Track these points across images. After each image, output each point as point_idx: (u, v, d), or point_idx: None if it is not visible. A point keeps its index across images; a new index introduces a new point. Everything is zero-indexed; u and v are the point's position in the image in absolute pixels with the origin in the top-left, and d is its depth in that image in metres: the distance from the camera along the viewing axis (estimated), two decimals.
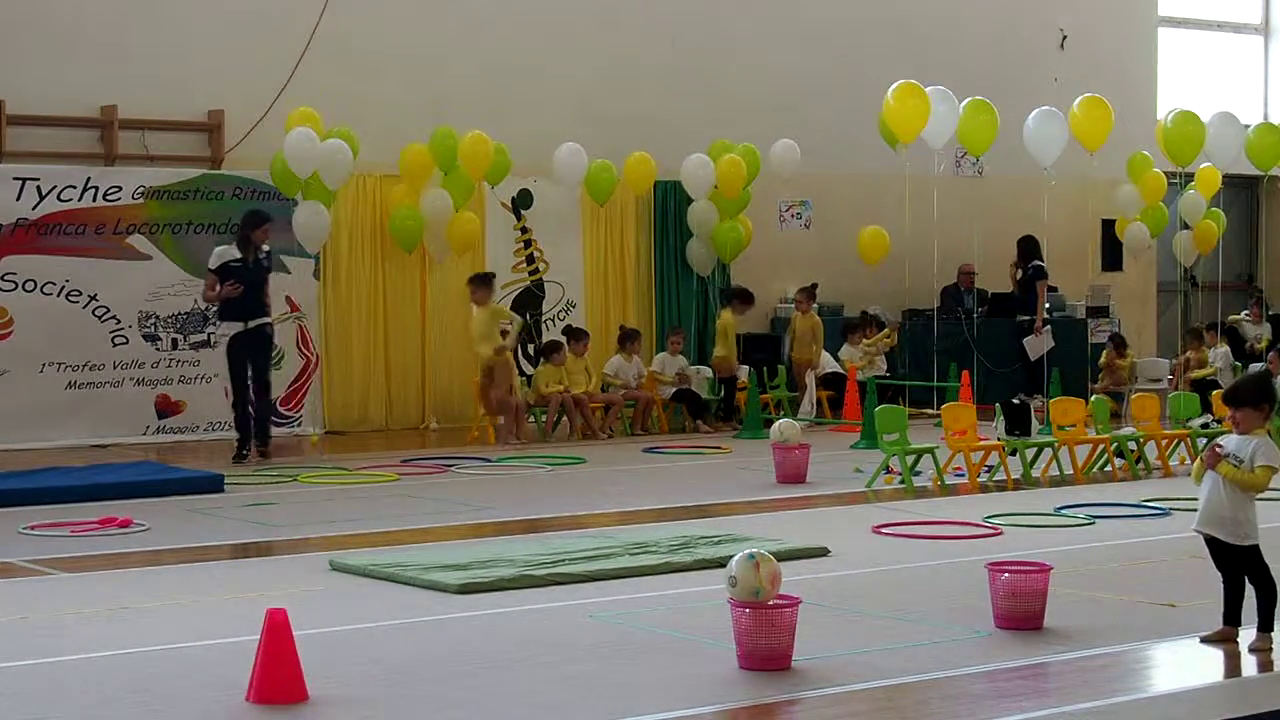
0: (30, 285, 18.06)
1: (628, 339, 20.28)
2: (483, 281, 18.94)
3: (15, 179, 18.06)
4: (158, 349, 18.83)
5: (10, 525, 12.58)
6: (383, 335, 20.22)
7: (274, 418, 19.28)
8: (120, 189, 18.57)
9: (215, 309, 17.12)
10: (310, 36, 20.01)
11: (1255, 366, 20.82)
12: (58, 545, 11.87)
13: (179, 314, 18.90)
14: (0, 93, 18.46)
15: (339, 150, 18.72)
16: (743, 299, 20.66)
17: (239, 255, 16.57)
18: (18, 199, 17.96)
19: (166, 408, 18.79)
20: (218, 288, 16.50)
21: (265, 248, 16.81)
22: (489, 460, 17.00)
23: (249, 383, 16.68)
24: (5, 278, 17.95)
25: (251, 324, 16.55)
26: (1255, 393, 8.54)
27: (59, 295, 18.19)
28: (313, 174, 18.69)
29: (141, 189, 18.68)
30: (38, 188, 18.13)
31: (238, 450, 16.66)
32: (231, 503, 13.99)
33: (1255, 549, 8.46)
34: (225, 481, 14.79)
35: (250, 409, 16.76)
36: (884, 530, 12.38)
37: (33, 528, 12.46)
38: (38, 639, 8.73)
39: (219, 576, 10.73)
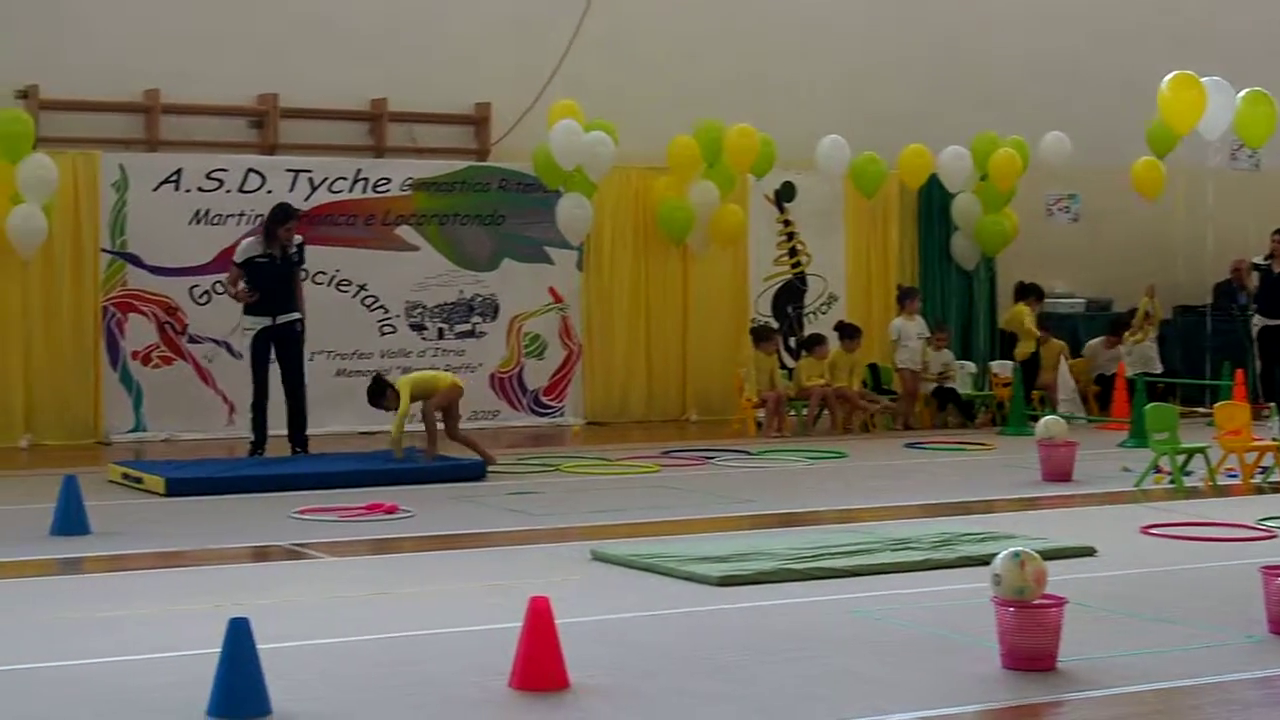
0: (301, 275, 18.40)
1: (906, 297, 20.13)
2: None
3: (288, 171, 18.45)
4: (424, 338, 19.11)
5: (281, 510, 12.85)
6: (644, 327, 20.28)
7: (535, 407, 19.52)
8: (389, 181, 18.89)
9: (242, 305, 16.14)
10: (576, 29, 20.13)
11: None
12: (326, 530, 12.09)
13: (445, 304, 19.16)
14: (274, 87, 18.86)
15: (601, 143, 18.83)
16: (1038, 295, 20.57)
17: (265, 250, 15.82)
18: (290, 190, 18.32)
19: None
20: (240, 283, 15.93)
21: (298, 240, 16.10)
22: (750, 453, 16.96)
23: (280, 381, 15.91)
24: None
25: (280, 320, 15.85)
26: None
27: (329, 285, 18.54)
28: (576, 167, 18.82)
29: (409, 181, 18.98)
30: (309, 179, 18.51)
31: (251, 451, 15.84)
32: (494, 491, 14.13)
33: None
34: (487, 470, 14.94)
35: (289, 408, 16.00)
36: (1153, 531, 12.10)
37: (302, 512, 12.71)
38: (305, 622, 8.88)
39: (482, 564, 10.84)
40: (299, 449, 15.81)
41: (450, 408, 15.44)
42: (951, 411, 19.90)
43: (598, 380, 20.01)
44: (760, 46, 21.24)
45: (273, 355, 15.88)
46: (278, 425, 15.90)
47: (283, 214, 16.03)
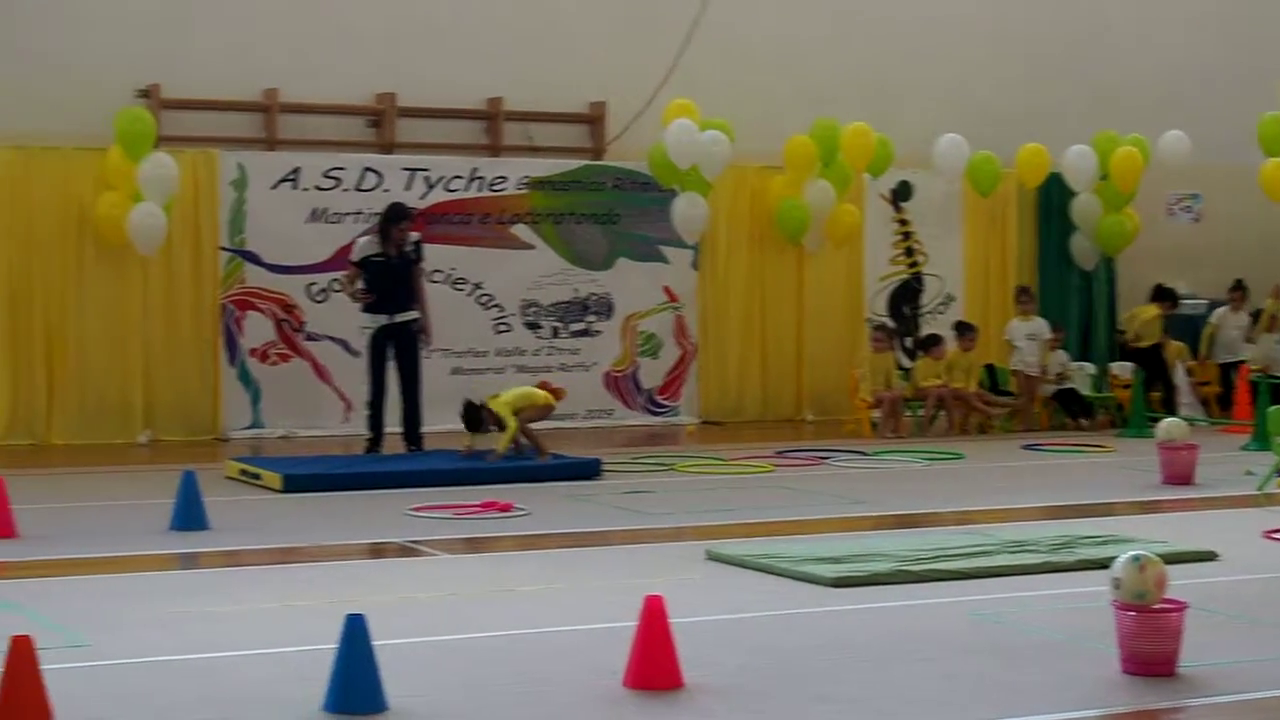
0: (420, 273, 18.48)
1: (1022, 294, 19.99)
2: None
3: (405, 170, 18.56)
4: (539, 337, 19.16)
5: (396, 507, 12.90)
6: (759, 326, 20.23)
7: (650, 407, 19.52)
8: (505, 179, 18.96)
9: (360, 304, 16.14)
10: (691, 28, 20.11)
11: None
12: (442, 527, 12.13)
13: (560, 303, 19.21)
14: (392, 86, 18.97)
15: (717, 142, 18.81)
16: (1173, 300, 20.58)
17: (381, 249, 15.82)
18: (407, 189, 18.44)
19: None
20: (357, 283, 15.94)
21: (414, 237, 16.09)
22: (865, 453, 16.87)
23: (393, 379, 15.93)
24: None
25: (397, 318, 15.84)
26: None
27: (445, 283, 18.62)
28: (691, 166, 18.81)
29: (525, 179, 19.04)
30: (426, 178, 18.61)
31: (368, 448, 15.92)
32: (608, 490, 14.12)
33: None
34: (603, 468, 14.95)
35: (405, 406, 15.97)
36: (1275, 535, 11.90)
37: (418, 509, 12.75)
38: (421, 618, 8.90)
39: (596, 562, 10.83)
40: (414, 446, 15.84)
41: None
42: (1076, 412, 19.68)
43: (712, 379, 19.98)
44: (878, 44, 21.14)
45: (391, 353, 15.90)
46: (393, 423, 15.96)
47: (396, 213, 16.03)
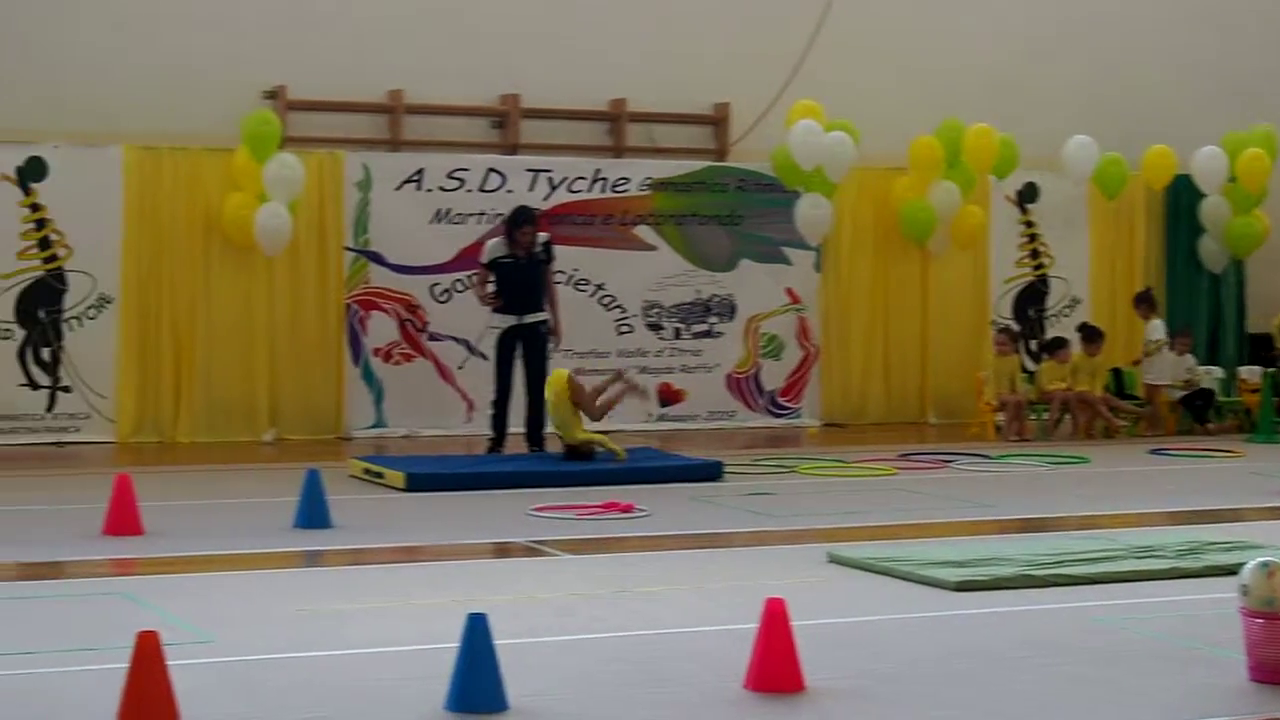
0: (551, 274, 18.55)
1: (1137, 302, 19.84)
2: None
3: (528, 171, 18.62)
4: (660, 338, 19.17)
5: (518, 507, 12.93)
6: (882, 328, 20.13)
7: (772, 409, 19.49)
8: (628, 180, 18.98)
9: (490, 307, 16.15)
10: (816, 28, 20.04)
11: None
12: (564, 528, 12.15)
13: (682, 304, 19.20)
14: (515, 87, 19.03)
15: (842, 143, 18.74)
16: None
17: (509, 251, 15.81)
18: (530, 190, 18.50)
19: (668, 396, 19.07)
20: (487, 285, 15.88)
21: (543, 238, 16.02)
22: (989, 457, 16.75)
23: (515, 380, 15.90)
24: None
25: (526, 319, 15.81)
26: None
27: (567, 283, 18.64)
28: (815, 167, 18.74)
29: (648, 181, 19.04)
30: (549, 179, 18.65)
31: (490, 448, 15.87)
32: (730, 491, 14.09)
33: None
34: (724, 470, 14.92)
35: (529, 407, 15.89)
36: None
37: (539, 510, 12.78)
38: (542, 618, 8.92)
39: (718, 563, 10.81)
40: (536, 448, 15.84)
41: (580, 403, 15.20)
42: (1204, 417, 19.42)
43: (835, 382, 19.91)
44: (1004, 44, 20.97)
45: (519, 354, 15.89)
46: (516, 423, 15.99)
47: (520, 217, 16.01)
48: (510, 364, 15.92)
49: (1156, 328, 19.48)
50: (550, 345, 16.08)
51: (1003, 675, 7.75)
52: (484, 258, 16.04)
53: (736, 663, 7.50)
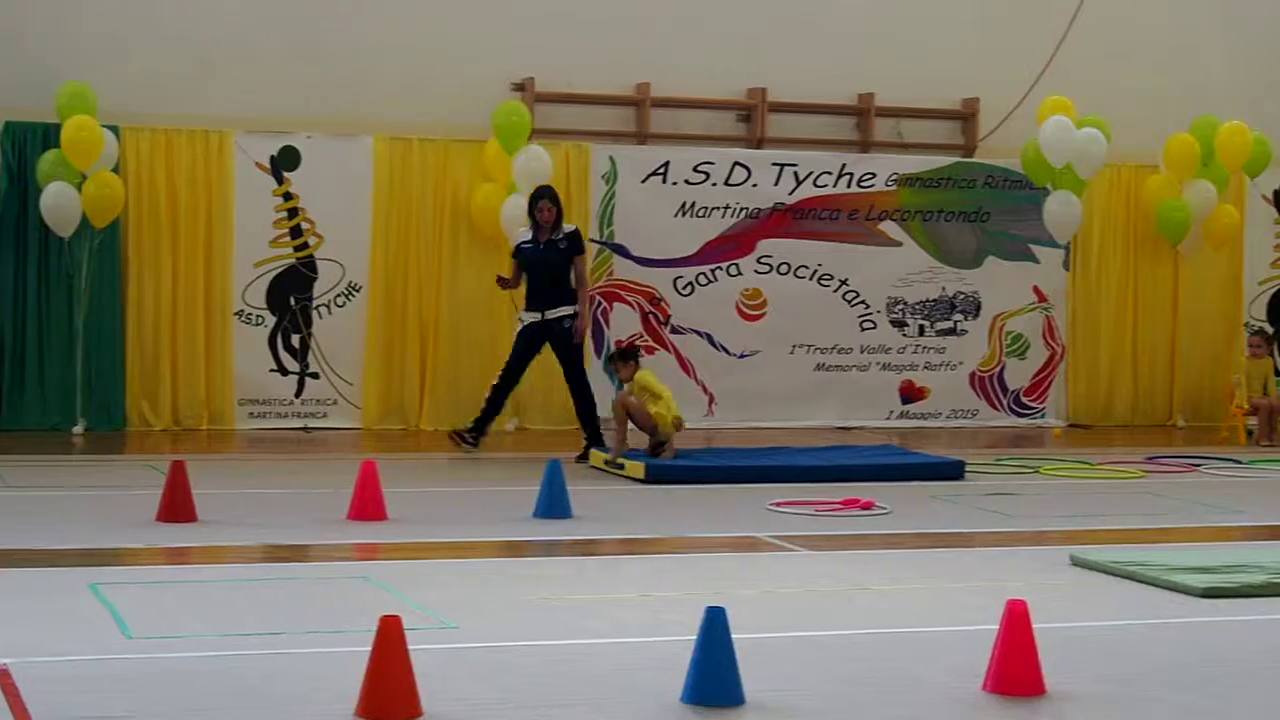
0: (784, 269, 18.54)
1: None
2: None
3: (774, 165, 18.58)
4: (904, 335, 19.01)
5: (757, 501, 12.91)
6: (1130, 328, 19.77)
7: (1015, 408, 19.24)
8: (874, 175, 18.84)
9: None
10: (1070, 22, 19.73)
11: None
12: (802, 523, 12.11)
13: (926, 300, 19.03)
14: (762, 81, 18.99)
15: (1094, 139, 18.43)
16: None
17: (532, 237, 15.19)
18: (775, 184, 18.47)
19: (910, 393, 18.94)
20: (519, 273, 15.32)
21: (569, 229, 15.24)
22: (1239, 462, 16.37)
23: (525, 376, 15.66)
24: (761, 260, 18.49)
25: (549, 315, 15.10)
26: None
27: (810, 279, 18.59)
28: (1066, 164, 18.46)
29: (894, 176, 18.89)
30: (795, 173, 18.59)
31: (470, 432, 15.45)
32: (971, 491, 13.94)
33: None
34: (966, 469, 14.76)
35: (575, 403, 15.45)
36: None
37: (779, 505, 12.74)
38: (780, 613, 8.89)
39: (957, 563, 10.69)
40: (593, 448, 15.24)
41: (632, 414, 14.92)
42: None
43: (1081, 382, 19.60)
44: (1262, 39, 20.46)
45: (548, 350, 15.40)
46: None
47: (535, 193, 15.43)
48: (521, 360, 15.44)
49: None
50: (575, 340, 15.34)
51: (1249, 683, 7.56)
52: (513, 243, 15.61)
53: (975, 664, 7.41)
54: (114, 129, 16.70)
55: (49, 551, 10.28)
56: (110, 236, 16.87)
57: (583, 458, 15.21)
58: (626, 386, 15.07)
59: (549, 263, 15.18)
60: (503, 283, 15.65)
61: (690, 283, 18.38)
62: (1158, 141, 19.21)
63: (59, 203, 16.36)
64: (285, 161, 17.47)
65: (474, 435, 15.59)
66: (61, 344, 16.83)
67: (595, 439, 15.35)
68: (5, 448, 15.37)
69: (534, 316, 15.28)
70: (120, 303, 17.06)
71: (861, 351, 18.85)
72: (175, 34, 17.51)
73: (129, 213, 17.00)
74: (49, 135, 16.59)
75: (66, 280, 16.78)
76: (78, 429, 16.65)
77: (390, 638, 6.67)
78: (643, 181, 18.29)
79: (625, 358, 15.19)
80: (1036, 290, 19.34)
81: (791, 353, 18.62)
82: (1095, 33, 19.76)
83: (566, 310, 15.18)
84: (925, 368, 19.03)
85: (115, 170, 16.70)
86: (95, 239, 16.69)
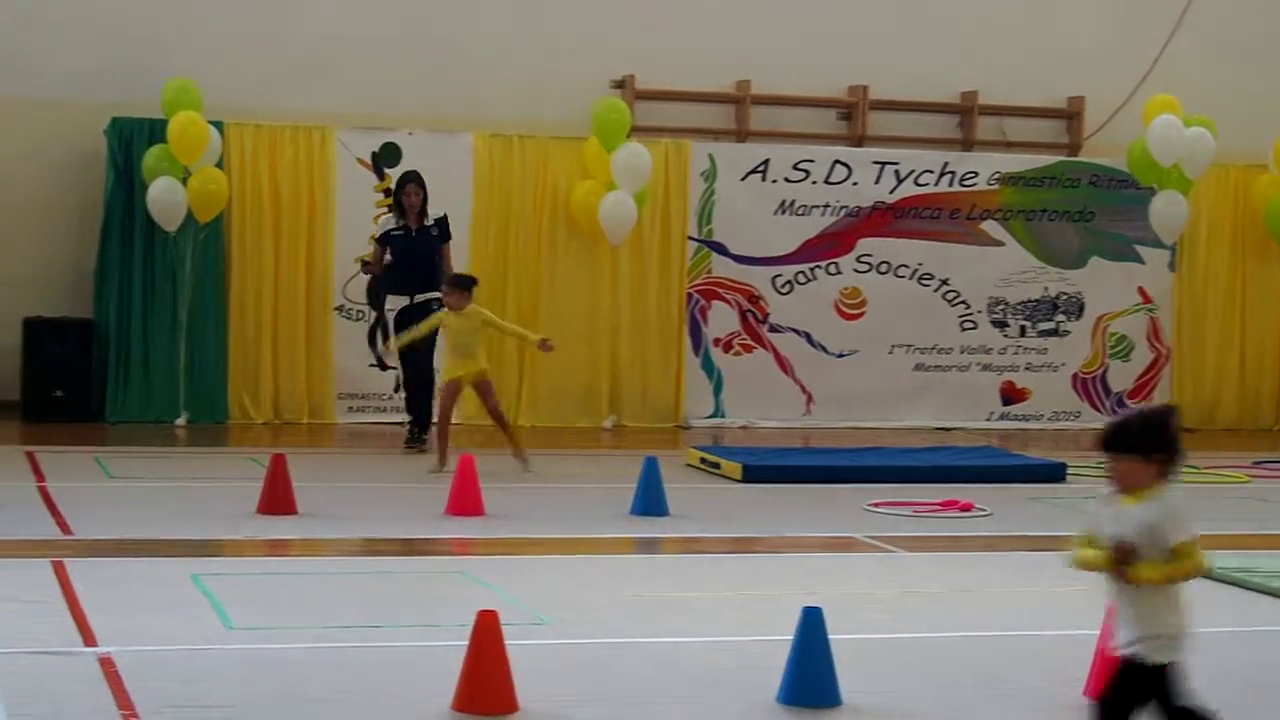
0: (884, 268, 18.43)
1: None
2: None
3: (875, 163, 18.47)
4: (1005, 335, 18.86)
5: (854, 501, 12.84)
6: (1238, 331, 19.51)
7: (1118, 410, 19.01)
8: (976, 174, 18.69)
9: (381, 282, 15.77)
10: (1178, 20, 19.51)
11: None
12: (900, 524, 12.04)
13: (1028, 301, 18.87)
14: (864, 79, 18.89)
15: (1201, 139, 18.21)
16: None
17: (399, 223, 15.31)
18: (876, 182, 18.37)
19: (1011, 394, 18.80)
20: (383, 259, 15.39)
21: (436, 214, 15.39)
22: None
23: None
24: (860, 259, 18.39)
25: (418, 299, 15.13)
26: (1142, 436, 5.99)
27: (910, 278, 18.47)
28: (1173, 163, 18.26)
29: (997, 175, 18.73)
30: (895, 172, 18.48)
31: (410, 435, 15.47)
32: (1073, 493, 13.78)
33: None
34: (1068, 472, 14.62)
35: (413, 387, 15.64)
36: None
37: (877, 505, 12.67)
38: (877, 614, 8.84)
39: (1056, 566, 10.54)
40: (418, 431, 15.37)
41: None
42: None
43: (1186, 385, 19.36)
44: None
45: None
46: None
47: (401, 178, 15.63)
48: (418, 362, 15.45)
49: None
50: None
51: None
52: (379, 230, 15.73)
53: (1075, 669, 7.32)
54: (218, 125, 16.82)
55: (152, 542, 10.36)
56: (214, 231, 17.00)
57: (411, 443, 15.33)
58: (448, 313, 14.27)
59: (421, 250, 15.36)
60: (366, 268, 15.85)
61: (789, 281, 18.31)
62: (1266, 140, 18.96)
63: (165, 197, 16.51)
64: (386, 158, 17.53)
65: (419, 435, 15.52)
66: (165, 337, 16.97)
67: (423, 427, 15.35)
68: (110, 439, 15.53)
69: (403, 301, 15.34)
70: (223, 297, 17.17)
71: (961, 352, 18.72)
72: (279, 31, 17.62)
73: (232, 208, 17.12)
74: (155, 131, 16.73)
75: (171, 274, 16.92)
76: (180, 421, 16.79)
77: (487, 633, 6.67)
78: (742, 179, 18.23)
79: (464, 285, 14.38)
80: (1141, 291, 19.13)
81: (890, 353, 18.50)
82: (1202, 31, 19.54)
83: (435, 294, 15.05)
84: (1026, 369, 18.87)
85: (219, 165, 16.83)
86: (199, 234, 16.83)
